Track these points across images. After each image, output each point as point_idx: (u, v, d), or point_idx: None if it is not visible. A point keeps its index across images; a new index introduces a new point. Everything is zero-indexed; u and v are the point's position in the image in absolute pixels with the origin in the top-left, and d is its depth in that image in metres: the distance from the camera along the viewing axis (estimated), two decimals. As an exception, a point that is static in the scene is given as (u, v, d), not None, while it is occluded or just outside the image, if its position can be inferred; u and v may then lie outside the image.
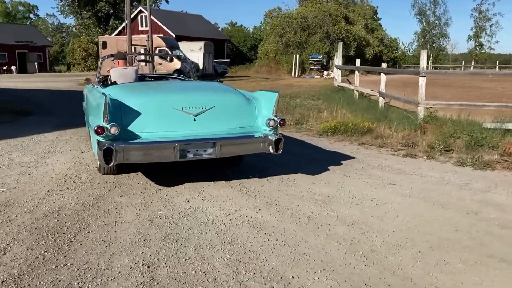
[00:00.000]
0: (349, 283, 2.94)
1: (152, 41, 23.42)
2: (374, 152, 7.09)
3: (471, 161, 6.25)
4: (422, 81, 8.87)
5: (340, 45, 17.22)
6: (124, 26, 40.67)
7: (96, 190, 4.83)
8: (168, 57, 25.98)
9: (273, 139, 4.78)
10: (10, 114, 10.32)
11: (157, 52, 25.95)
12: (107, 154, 4.22)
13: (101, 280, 2.93)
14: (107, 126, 4.25)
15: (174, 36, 38.74)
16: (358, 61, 14.58)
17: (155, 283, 2.89)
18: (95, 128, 4.24)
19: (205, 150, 4.57)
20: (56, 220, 3.96)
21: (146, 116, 4.56)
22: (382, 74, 11.53)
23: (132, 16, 41.85)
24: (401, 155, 6.89)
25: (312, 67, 35.22)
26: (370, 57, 39.61)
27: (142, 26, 40.80)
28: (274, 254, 3.34)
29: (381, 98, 11.32)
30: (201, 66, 29.59)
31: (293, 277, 3.01)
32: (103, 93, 4.76)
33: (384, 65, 11.81)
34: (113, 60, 6.57)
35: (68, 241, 3.52)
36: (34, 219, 3.98)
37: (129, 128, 4.48)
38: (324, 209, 4.34)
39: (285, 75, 35.26)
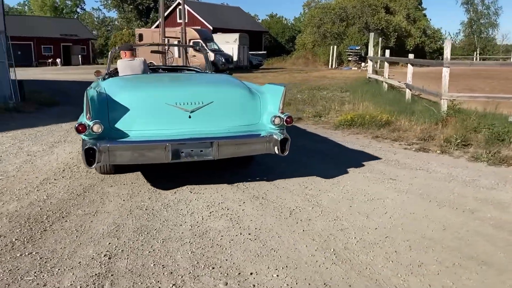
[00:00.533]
0: (308, 281, 2.81)
1: (185, 33, 23.58)
2: (386, 146, 6.83)
3: (486, 157, 5.91)
4: (445, 72, 8.49)
5: (371, 35, 16.73)
6: (164, 19, 41.26)
7: (89, 179, 4.88)
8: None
9: (279, 139, 4.26)
10: (36, 104, 10.63)
11: (191, 44, 26.16)
12: (89, 155, 3.83)
13: (59, 269, 2.92)
14: (89, 124, 3.87)
15: (211, 28, 38.97)
16: (387, 52, 14.12)
17: (110, 275, 2.86)
18: (76, 125, 3.89)
19: (201, 151, 4.10)
20: (39, 209, 4.02)
21: (135, 112, 4.19)
22: (409, 65, 11.13)
23: (170, 8, 42.57)
24: (413, 149, 6.60)
25: (350, 59, 34.58)
26: (411, 48, 38.39)
27: (180, 18, 41.17)
28: (241, 249, 3.25)
29: (407, 90, 10.95)
30: (235, 58, 29.65)
31: (251, 273, 2.90)
32: (91, 87, 4.63)
33: (411, 56, 11.36)
34: (120, 51, 6.15)
35: (43, 230, 3.55)
36: (19, 207, 4.05)
37: (116, 125, 4.10)
38: (311, 203, 4.20)
39: (322, 67, 34.81)
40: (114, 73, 6.13)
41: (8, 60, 10.42)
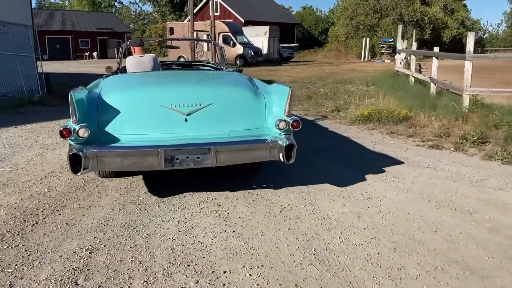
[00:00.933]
0: (280, 282, 2.78)
1: (214, 26, 23.67)
2: (399, 142, 6.66)
3: (501, 155, 5.68)
4: (468, 66, 8.19)
5: (400, 27, 16.34)
6: (196, 12, 41.59)
7: (92, 173, 4.97)
8: (231, 42, 26.17)
9: (284, 145, 3.85)
10: (61, 98, 10.91)
11: (221, 37, 26.29)
12: (74, 161, 3.53)
13: (39, 263, 3.00)
14: (75, 127, 3.61)
15: (243, 21, 38.99)
16: (414, 45, 13.78)
17: (86, 269, 2.91)
18: (60, 129, 3.60)
19: (198, 157, 3.74)
20: (37, 202, 4.13)
21: (127, 114, 3.90)
22: (433, 58, 10.80)
23: (203, 2, 42.82)
24: (426, 146, 6.42)
25: (383, 51, 33.86)
26: (448, 40, 37.25)
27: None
28: (221, 247, 3.24)
29: (432, 85, 10.63)
30: (265, 51, 29.57)
31: (225, 272, 2.90)
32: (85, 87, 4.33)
33: (436, 49, 11.00)
34: (129, 47, 5.82)
35: (35, 223, 3.65)
36: (19, 200, 4.18)
37: (106, 129, 3.83)
38: (304, 201, 4.15)
39: (354, 60, 34.30)
40: (125, 69, 5.78)
41: (35, 54, 10.72)
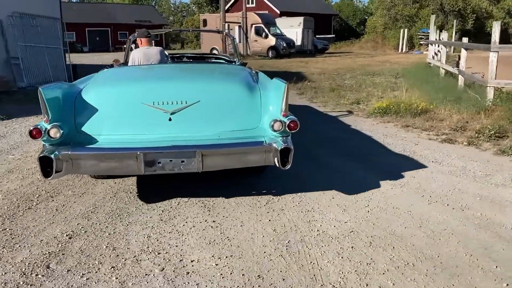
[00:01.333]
0: (243, 272, 2.79)
1: (246, 17, 23.68)
2: (412, 136, 6.49)
3: (515, 150, 5.44)
4: (493, 57, 7.87)
5: (433, 17, 15.85)
6: (232, 4, 41.73)
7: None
8: (263, 34, 26.11)
9: (279, 149, 3.43)
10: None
11: (253, 29, 26.27)
12: (45, 164, 3.23)
13: (20, 246, 3.12)
14: (46, 127, 3.33)
15: (278, 12, 38.79)
16: (445, 36, 13.31)
17: (61, 254, 3.01)
18: (30, 129, 3.33)
19: (183, 161, 3.39)
20: (36, 188, 4.29)
21: (105, 113, 3.62)
22: (462, 49, 10.44)
23: (239, -7, 42.80)
24: (439, 140, 6.22)
25: (421, 43, 32.92)
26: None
27: (248, 3, 41.37)
28: (196, 236, 3.28)
29: (460, 77, 10.30)
30: (298, 42, 29.34)
31: (192, 260, 2.93)
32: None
33: (465, 40, 10.62)
34: (135, 38, 5.60)
35: (27, 208, 3.80)
36: (20, 186, 4.35)
37: (83, 128, 3.54)
38: (293, 193, 4.12)
39: (391, 51, 33.53)
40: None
41: (63, 46, 11.06)
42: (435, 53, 14.93)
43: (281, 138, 3.57)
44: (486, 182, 4.43)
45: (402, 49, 32.99)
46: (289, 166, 3.54)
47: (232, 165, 3.63)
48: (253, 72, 4.80)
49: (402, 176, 4.61)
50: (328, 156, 5.35)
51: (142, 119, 3.61)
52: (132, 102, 3.68)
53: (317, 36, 35.33)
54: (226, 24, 23.33)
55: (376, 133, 6.68)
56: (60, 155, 3.26)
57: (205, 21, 28.45)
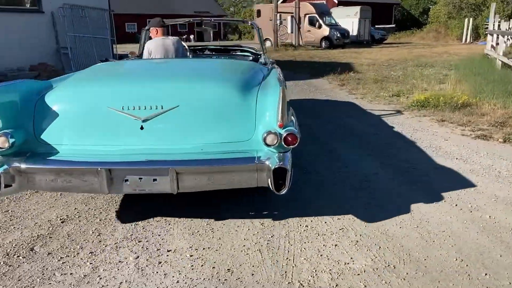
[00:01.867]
0: (215, 265, 2.75)
1: (299, 8, 23.39)
2: (444, 131, 6.14)
3: (554, 149, 5.01)
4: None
5: (493, 5, 14.85)
6: (289, -6, 41.37)
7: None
8: (317, 24, 25.69)
9: (271, 168, 2.78)
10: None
11: (307, 19, 25.93)
12: None
13: (14, 227, 3.26)
14: None
15: (336, 1, 38.00)
16: (504, 25, 12.45)
17: (48, 237, 3.12)
18: None
19: (155, 180, 2.84)
20: (50, 173, 4.46)
21: (68, 119, 3.07)
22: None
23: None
24: (473, 136, 5.84)
25: (487, 33, 31.05)
26: None
27: (306, -7, 40.92)
28: (181, 226, 3.27)
29: (514, 69, 9.62)
30: (354, 33, 28.64)
31: (169, 250, 2.93)
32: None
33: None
34: (148, 28, 5.11)
35: (34, 192, 3.94)
36: (36, 170, 4.55)
37: (43, 137, 3.03)
38: (295, 186, 4.01)
39: (454, 42, 31.94)
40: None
41: (110, 36, 11.44)
42: (496, 44, 14.04)
43: (277, 154, 2.88)
44: (509, 183, 4.11)
45: (466, 40, 31.31)
46: (285, 191, 2.86)
47: (216, 186, 2.93)
48: (266, 69, 4.17)
49: (415, 173, 4.37)
50: (344, 149, 5.17)
51: (109, 127, 3.03)
52: (98, 107, 3.07)
53: (376, 26, 34.31)
54: (278, 15, 23.17)
55: (406, 127, 6.38)
56: (10, 168, 2.79)
57: (258, 12, 28.40)
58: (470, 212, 3.48)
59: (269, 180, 2.82)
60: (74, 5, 11.11)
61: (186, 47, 5.40)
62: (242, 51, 6.51)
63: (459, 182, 4.14)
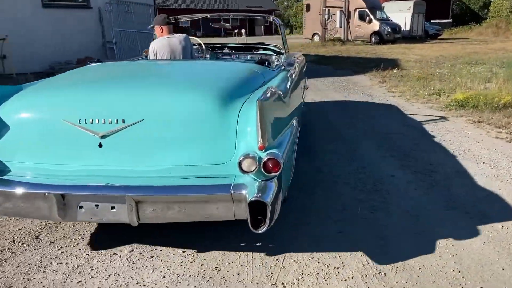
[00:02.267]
0: (205, 262, 2.78)
1: (348, 2, 22.96)
2: (478, 133, 5.87)
3: None
4: None
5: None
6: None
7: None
8: (367, 18, 25.13)
9: (248, 201, 2.26)
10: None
11: (356, 13, 25.42)
12: None
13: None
14: None
15: (390, -5, 36.93)
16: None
17: (55, 227, 3.26)
18: None
19: (113, 208, 2.45)
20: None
21: (21, 134, 2.69)
22: None
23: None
24: (508, 139, 5.54)
25: (553, 28, 29.31)
26: None
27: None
28: (184, 223, 3.32)
29: None
30: (407, 27, 27.78)
31: (161, 250, 2.99)
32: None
33: None
34: (152, 26, 4.59)
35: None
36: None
37: None
38: (299, 182, 3.98)
39: (515, 38, 30.26)
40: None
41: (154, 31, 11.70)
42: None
43: (258, 183, 2.35)
44: (532, 190, 3.88)
45: (528, 35, 29.65)
46: (264, 230, 2.32)
47: (186, 218, 2.50)
48: (271, 74, 3.59)
49: (435, 177, 4.20)
50: (367, 149, 5.05)
51: (64, 143, 2.63)
52: (53, 119, 2.66)
53: (431, 20, 33.12)
54: (327, 9, 22.85)
55: (439, 127, 6.15)
56: None
57: (308, 6, 28.11)
58: (480, 221, 3.31)
59: (246, 212, 2.31)
60: (120, 0, 11.50)
61: (203, 45, 5.22)
62: (264, 49, 6.19)
63: (478, 187, 3.95)
